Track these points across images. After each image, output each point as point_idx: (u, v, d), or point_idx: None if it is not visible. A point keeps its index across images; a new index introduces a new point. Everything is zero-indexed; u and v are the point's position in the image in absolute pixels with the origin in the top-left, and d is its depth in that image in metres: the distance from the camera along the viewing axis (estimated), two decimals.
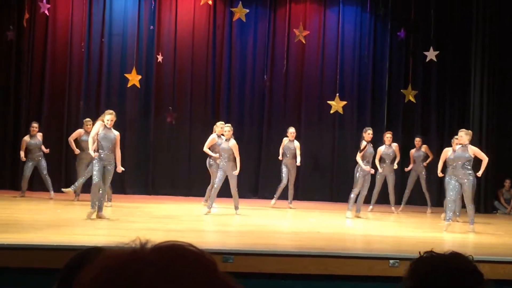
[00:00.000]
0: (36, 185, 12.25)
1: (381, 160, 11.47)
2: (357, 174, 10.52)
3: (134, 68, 12.32)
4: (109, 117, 8.71)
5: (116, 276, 0.80)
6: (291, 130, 11.75)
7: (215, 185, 10.26)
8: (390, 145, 11.51)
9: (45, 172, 11.29)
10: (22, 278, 5.81)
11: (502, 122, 13.15)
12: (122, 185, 12.54)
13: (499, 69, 13.06)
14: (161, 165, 13.12)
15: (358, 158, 10.52)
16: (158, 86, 13.38)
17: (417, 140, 12.08)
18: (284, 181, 11.60)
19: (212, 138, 10.79)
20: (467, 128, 12.99)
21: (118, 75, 13.03)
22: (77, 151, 11.23)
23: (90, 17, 13.11)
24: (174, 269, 0.81)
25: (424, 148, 12.04)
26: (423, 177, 11.85)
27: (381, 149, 11.40)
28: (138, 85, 12.40)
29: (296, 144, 11.64)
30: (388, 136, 11.57)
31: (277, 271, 6.17)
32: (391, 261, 5.95)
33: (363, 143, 10.50)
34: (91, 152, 8.79)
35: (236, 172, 10.08)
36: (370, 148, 10.56)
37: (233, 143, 10.18)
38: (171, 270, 0.81)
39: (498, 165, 13.05)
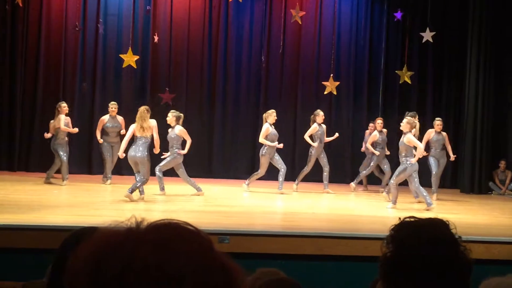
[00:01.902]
0: (32, 167, 12.26)
1: (376, 145, 11.62)
2: (311, 153, 11.28)
3: (130, 49, 12.25)
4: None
5: (112, 254, 0.80)
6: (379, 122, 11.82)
7: (282, 170, 10.81)
8: (381, 130, 11.72)
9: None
10: (18, 258, 5.83)
11: (497, 103, 13.16)
12: (119, 166, 12.53)
13: (495, 50, 13.04)
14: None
15: (307, 137, 11.23)
16: (154, 67, 13.32)
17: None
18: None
19: (267, 127, 10.86)
20: (463, 110, 13.05)
21: (114, 56, 12.95)
22: (101, 140, 10.97)
23: None
24: (170, 247, 0.81)
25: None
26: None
27: (376, 135, 11.56)
28: (135, 66, 12.33)
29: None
30: (379, 122, 11.76)
31: (272, 251, 6.21)
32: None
33: (314, 126, 11.14)
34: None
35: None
36: (321, 129, 11.14)
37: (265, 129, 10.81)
38: (167, 247, 0.81)
39: (493, 146, 13.10)
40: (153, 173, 9.51)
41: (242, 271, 0.86)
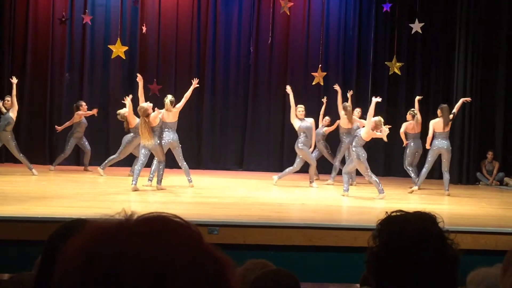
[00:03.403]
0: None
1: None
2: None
3: (118, 39, 12.17)
4: None
5: (103, 247, 0.80)
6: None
7: (314, 164, 10.87)
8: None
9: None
10: (6, 250, 5.80)
11: (485, 94, 13.23)
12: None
13: (484, 41, 13.10)
14: None
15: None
16: (142, 57, 13.27)
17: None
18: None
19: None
20: (452, 100, 13.12)
21: (102, 46, 12.88)
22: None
23: None
24: (161, 240, 0.81)
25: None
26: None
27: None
28: (123, 57, 12.25)
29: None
30: (357, 110, 11.91)
31: (261, 242, 6.22)
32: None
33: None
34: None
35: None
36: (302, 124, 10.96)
37: (311, 120, 10.83)
38: (157, 240, 0.81)
39: (481, 137, 13.18)
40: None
41: (232, 263, 0.87)
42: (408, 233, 1.72)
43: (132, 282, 0.77)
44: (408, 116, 11.51)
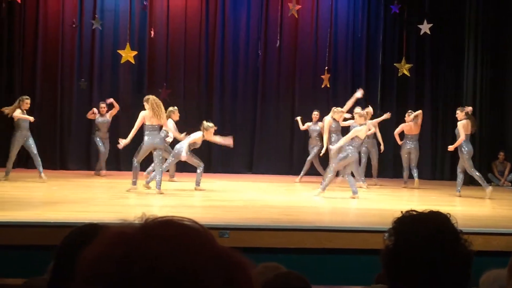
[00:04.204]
0: (31, 163, 12.22)
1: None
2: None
3: (128, 44, 12.23)
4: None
5: (122, 251, 0.81)
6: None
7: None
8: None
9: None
10: (20, 255, 5.84)
11: (495, 95, 13.17)
12: (116, 162, 12.55)
13: (493, 42, 13.05)
14: None
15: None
16: (151, 62, 13.31)
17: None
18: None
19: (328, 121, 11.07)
20: (462, 102, 13.06)
21: (111, 52, 12.94)
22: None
23: None
24: (179, 243, 0.82)
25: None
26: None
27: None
28: (133, 61, 12.32)
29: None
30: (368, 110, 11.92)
31: (272, 246, 6.22)
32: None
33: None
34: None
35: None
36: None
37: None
38: (176, 243, 0.82)
39: (492, 138, 13.11)
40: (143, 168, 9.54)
41: (251, 264, 0.88)
42: (422, 231, 1.76)
43: (152, 285, 0.78)
44: (407, 118, 11.66)
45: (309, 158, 11.97)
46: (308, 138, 12.24)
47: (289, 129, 13.51)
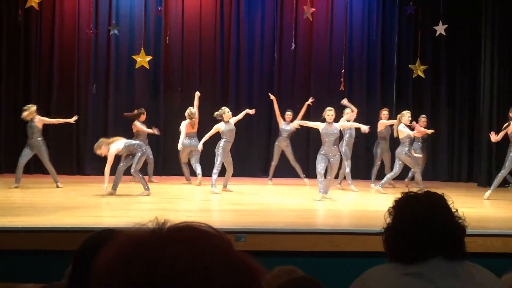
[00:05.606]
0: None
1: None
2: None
3: (142, 49, 12.30)
4: None
5: (137, 255, 0.81)
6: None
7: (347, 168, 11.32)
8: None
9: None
10: (37, 260, 5.88)
11: None
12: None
13: (510, 42, 12.92)
14: (172, 145, 13.12)
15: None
16: (166, 67, 13.36)
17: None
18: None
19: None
20: (478, 103, 12.92)
21: (126, 57, 13.02)
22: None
23: None
24: (195, 247, 0.82)
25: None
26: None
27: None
28: (147, 66, 12.38)
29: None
30: (384, 113, 11.98)
31: (288, 249, 6.21)
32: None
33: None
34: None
35: None
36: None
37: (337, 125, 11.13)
38: (192, 248, 0.82)
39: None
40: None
41: (263, 270, 0.88)
42: (418, 209, 1.97)
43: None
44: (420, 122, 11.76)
45: (291, 160, 12.14)
46: (278, 136, 12.27)
47: (304, 132, 13.47)
